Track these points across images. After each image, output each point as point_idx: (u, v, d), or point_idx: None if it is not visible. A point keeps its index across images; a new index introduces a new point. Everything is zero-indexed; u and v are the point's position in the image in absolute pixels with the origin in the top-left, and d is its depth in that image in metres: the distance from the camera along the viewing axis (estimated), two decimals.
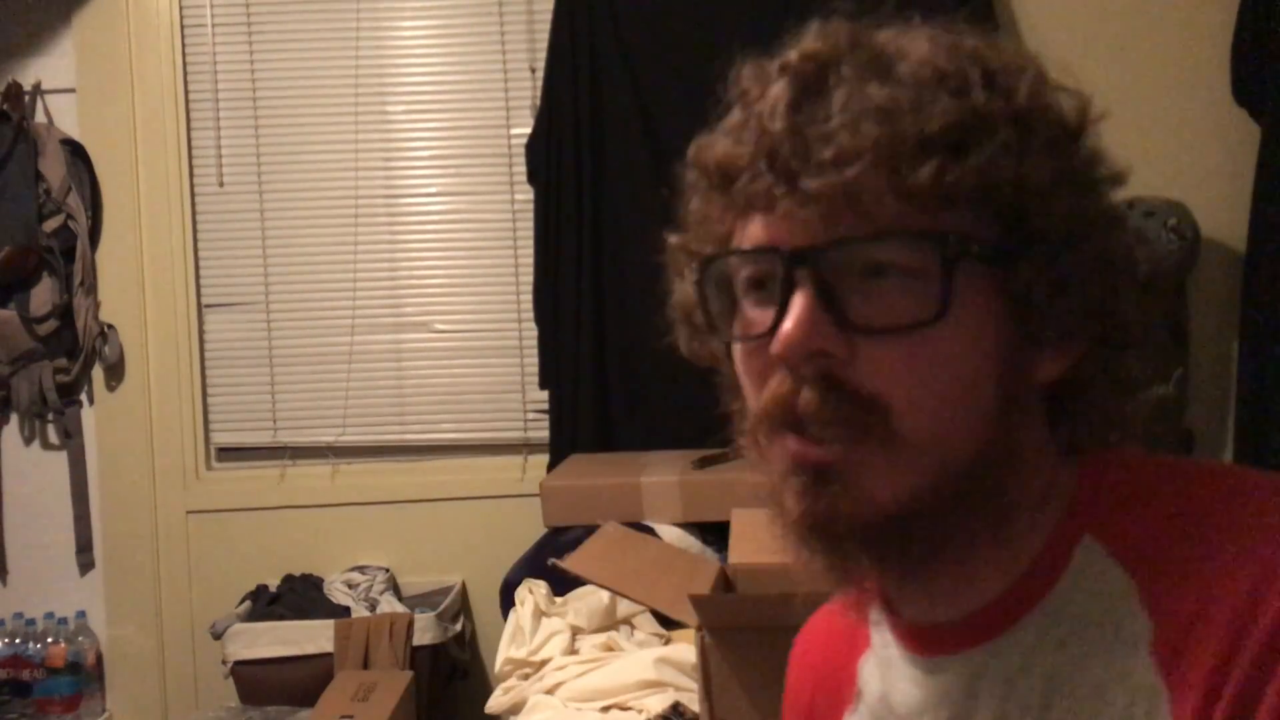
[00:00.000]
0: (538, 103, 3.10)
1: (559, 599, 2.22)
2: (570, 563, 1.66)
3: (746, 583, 1.76)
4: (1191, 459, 0.71)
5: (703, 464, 2.61)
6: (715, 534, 2.35)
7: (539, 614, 2.17)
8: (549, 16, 3.06)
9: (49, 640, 3.08)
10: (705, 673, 1.40)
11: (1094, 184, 0.69)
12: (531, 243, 3.10)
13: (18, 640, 3.07)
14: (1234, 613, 0.60)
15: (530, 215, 3.11)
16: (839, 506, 0.67)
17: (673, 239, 0.78)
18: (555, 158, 3.02)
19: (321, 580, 3.08)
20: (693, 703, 1.76)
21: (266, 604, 2.97)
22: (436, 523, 3.19)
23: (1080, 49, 2.91)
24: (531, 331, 3.14)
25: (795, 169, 0.66)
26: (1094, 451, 0.71)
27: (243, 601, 3.01)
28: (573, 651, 2.07)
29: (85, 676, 3.11)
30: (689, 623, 1.62)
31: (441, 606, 2.90)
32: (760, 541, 1.85)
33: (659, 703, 1.83)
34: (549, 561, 1.98)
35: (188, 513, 3.22)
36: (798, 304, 0.66)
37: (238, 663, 2.82)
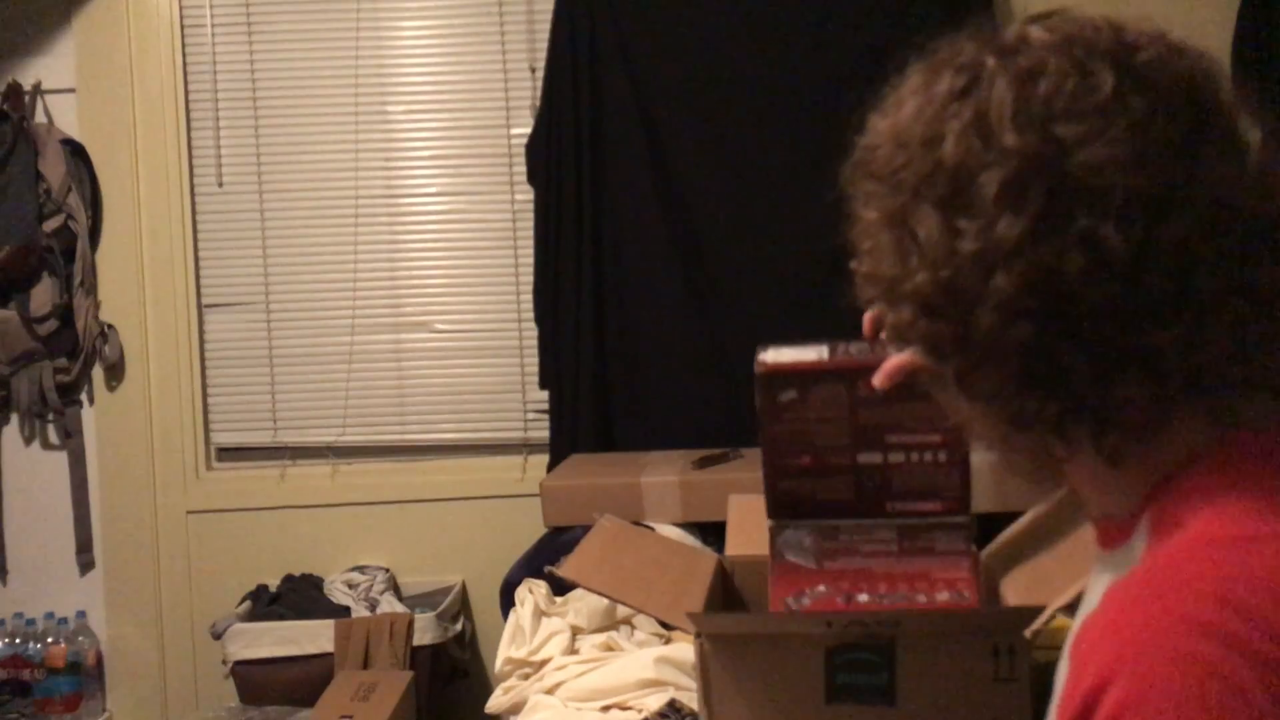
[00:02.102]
0: (538, 103, 3.10)
1: (559, 599, 2.22)
2: (566, 570, 1.66)
3: (744, 574, 1.76)
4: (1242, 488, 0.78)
5: (703, 464, 2.61)
6: (715, 534, 2.35)
7: (539, 614, 2.17)
8: (549, 16, 3.06)
9: (49, 640, 3.08)
10: (704, 679, 1.40)
11: None
12: (531, 243, 3.10)
13: (18, 640, 3.07)
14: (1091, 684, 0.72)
15: (530, 215, 3.11)
16: None
17: None
18: (555, 158, 3.02)
19: (321, 580, 3.08)
20: (693, 701, 1.76)
21: (266, 604, 2.97)
22: (436, 523, 3.19)
23: None
24: (531, 331, 3.14)
25: None
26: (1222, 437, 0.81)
27: (243, 601, 3.01)
28: (573, 651, 2.07)
29: (85, 676, 3.11)
30: (686, 630, 1.62)
31: (441, 606, 2.90)
32: (758, 531, 1.85)
33: (658, 702, 1.84)
34: (545, 569, 1.98)
35: (188, 513, 3.22)
36: None
37: (238, 663, 2.82)
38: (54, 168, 3.13)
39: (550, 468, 2.97)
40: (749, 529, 1.86)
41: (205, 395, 3.26)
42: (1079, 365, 0.78)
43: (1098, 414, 0.80)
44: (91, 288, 3.16)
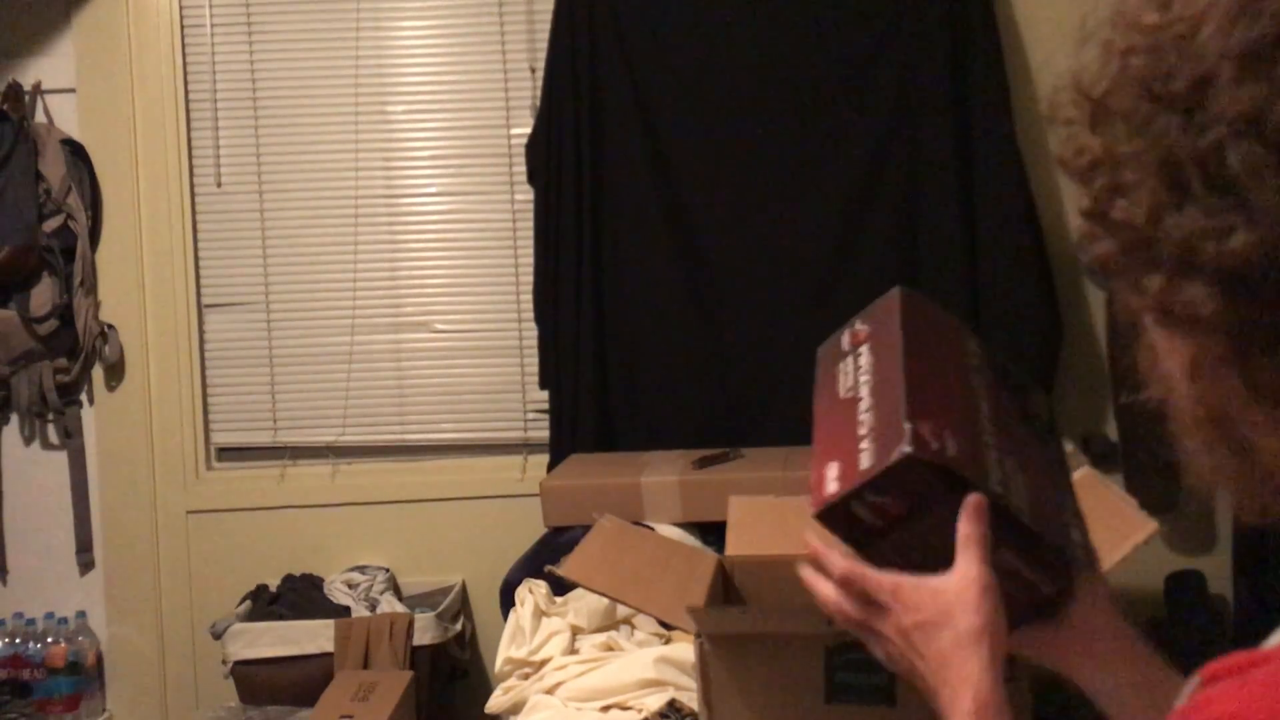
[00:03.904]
0: (538, 103, 3.10)
1: (559, 599, 2.22)
2: (567, 569, 1.67)
3: (744, 575, 1.76)
4: None
5: (703, 464, 2.61)
6: (715, 534, 2.35)
7: (539, 614, 2.17)
8: (549, 16, 3.06)
9: (49, 640, 3.08)
10: (704, 679, 1.40)
11: None
12: (531, 243, 3.10)
13: (18, 640, 3.07)
14: None
15: (530, 215, 3.11)
16: None
17: None
18: (555, 158, 3.02)
19: (321, 580, 3.08)
20: (692, 701, 1.76)
21: (266, 604, 2.97)
22: (436, 523, 3.19)
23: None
24: (531, 331, 3.14)
25: None
26: None
27: (243, 601, 3.01)
28: (573, 651, 2.07)
29: (85, 676, 3.11)
30: (687, 630, 1.62)
31: (441, 606, 2.90)
32: (758, 531, 1.85)
33: (658, 702, 1.84)
34: (545, 569, 1.98)
35: (188, 513, 3.22)
36: None
37: (238, 663, 2.82)
38: (54, 168, 3.13)
39: (550, 468, 2.97)
40: (749, 529, 1.86)
41: (205, 395, 3.26)
42: None
43: None
44: (91, 288, 3.16)
